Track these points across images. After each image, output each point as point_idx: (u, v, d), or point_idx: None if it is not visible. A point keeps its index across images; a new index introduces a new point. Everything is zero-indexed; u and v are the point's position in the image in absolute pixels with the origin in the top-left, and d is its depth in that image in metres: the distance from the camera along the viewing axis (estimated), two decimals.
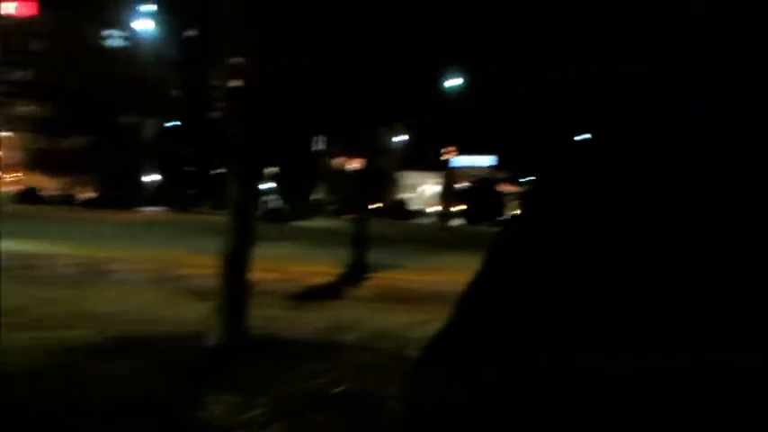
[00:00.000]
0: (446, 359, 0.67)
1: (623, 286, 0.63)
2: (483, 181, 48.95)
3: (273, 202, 37.33)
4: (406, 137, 45.99)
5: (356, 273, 15.38)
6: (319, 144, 41.89)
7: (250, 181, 8.88)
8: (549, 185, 0.74)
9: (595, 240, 0.66)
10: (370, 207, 19.27)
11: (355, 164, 20.17)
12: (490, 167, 49.79)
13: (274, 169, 38.31)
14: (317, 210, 40.35)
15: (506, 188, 47.59)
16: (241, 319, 8.25)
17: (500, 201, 46.57)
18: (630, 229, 0.66)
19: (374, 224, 18.60)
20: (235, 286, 8.26)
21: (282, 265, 15.16)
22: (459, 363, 0.67)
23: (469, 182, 49.26)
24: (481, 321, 0.68)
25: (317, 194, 44.07)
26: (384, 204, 43.73)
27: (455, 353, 0.68)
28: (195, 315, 9.02)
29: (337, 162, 41.82)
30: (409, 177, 52.09)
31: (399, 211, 46.17)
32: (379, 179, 35.70)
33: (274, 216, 32.58)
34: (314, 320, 10.02)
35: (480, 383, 0.64)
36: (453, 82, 38.31)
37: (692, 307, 0.63)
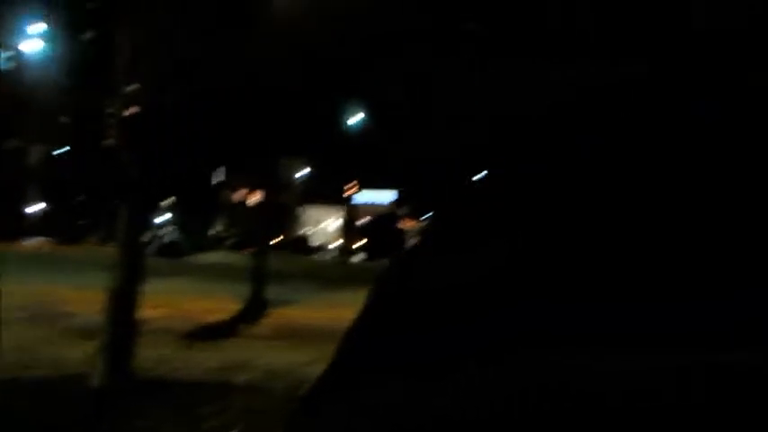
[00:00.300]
0: (328, 399, 0.62)
1: (513, 319, 0.60)
2: (384, 217, 49.23)
3: (169, 235, 36.35)
4: (308, 170, 45.86)
5: (254, 309, 15.03)
6: (219, 176, 41.21)
7: (141, 212, 8.53)
8: (442, 220, 0.72)
9: (487, 273, 0.64)
10: (270, 242, 18.97)
11: (256, 197, 19.85)
12: (392, 203, 50.13)
13: (171, 201, 37.36)
14: (215, 244, 39.50)
15: (407, 224, 47.97)
16: (127, 359, 7.84)
17: (400, 237, 46.86)
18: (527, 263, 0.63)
19: (275, 259, 18.32)
20: (121, 324, 7.86)
21: (177, 302, 14.68)
22: (341, 399, 0.63)
23: (371, 217, 49.43)
24: (365, 356, 0.66)
25: (216, 228, 43.21)
26: (286, 239, 43.34)
27: (337, 391, 0.64)
28: (80, 355, 8.55)
29: (238, 195, 41.25)
30: (312, 212, 51.89)
31: (301, 245, 45.79)
32: (281, 213, 35.35)
33: (170, 250, 31.69)
34: (207, 360, 9.65)
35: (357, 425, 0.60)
36: (357, 116, 38.52)
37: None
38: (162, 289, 17.03)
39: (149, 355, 8.53)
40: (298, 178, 46.34)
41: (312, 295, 18.35)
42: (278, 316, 14.69)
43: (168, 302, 14.23)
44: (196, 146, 18.98)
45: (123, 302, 7.88)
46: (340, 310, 13.69)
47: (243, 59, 13.81)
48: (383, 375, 0.61)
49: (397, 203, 49.73)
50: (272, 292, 15.89)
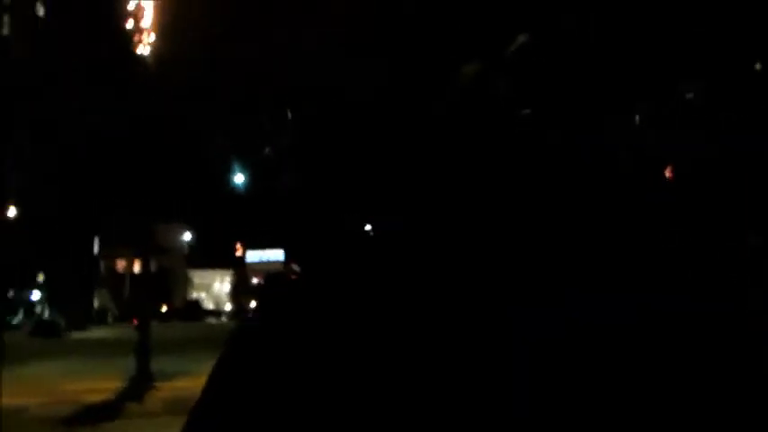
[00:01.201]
0: None
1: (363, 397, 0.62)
2: (276, 275, 48.38)
3: (44, 312, 34.33)
4: (192, 235, 44.69)
5: (139, 384, 14.18)
6: (96, 246, 39.49)
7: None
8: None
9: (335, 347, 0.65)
10: (159, 310, 18.11)
11: (136, 266, 18.99)
12: (283, 261, 49.46)
13: (42, 276, 35.38)
14: (98, 318, 37.65)
15: None
16: None
17: None
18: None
19: (163, 328, 17.48)
20: None
21: (55, 385, 13.66)
22: None
23: (262, 277, 48.50)
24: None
25: (97, 301, 41.26)
26: (175, 306, 41.87)
27: None
28: None
29: (118, 265, 39.69)
30: (201, 276, 50.49)
31: (191, 311, 44.33)
32: (166, 280, 34.12)
33: (45, 329, 29.81)
34: None
35: None
36: (240, 178, 37.87)
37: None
38: (38, 372, 15.88)
39: None
40: (182, 243, 45.03)
41: (203, 363, 17.45)
42: (166, 389, 13.87)
43: (45, 386, 13.26)
44: (72, 215, 18.06)
45: None
46: None
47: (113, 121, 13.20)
48: None
49: (287, 261, 49.07)
50: (160, 363, 15.04)
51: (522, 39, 0.81)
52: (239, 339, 0.73)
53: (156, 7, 18.52)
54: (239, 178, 39.77)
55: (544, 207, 0.73)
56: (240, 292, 45.54)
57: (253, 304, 50.39)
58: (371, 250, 0.73)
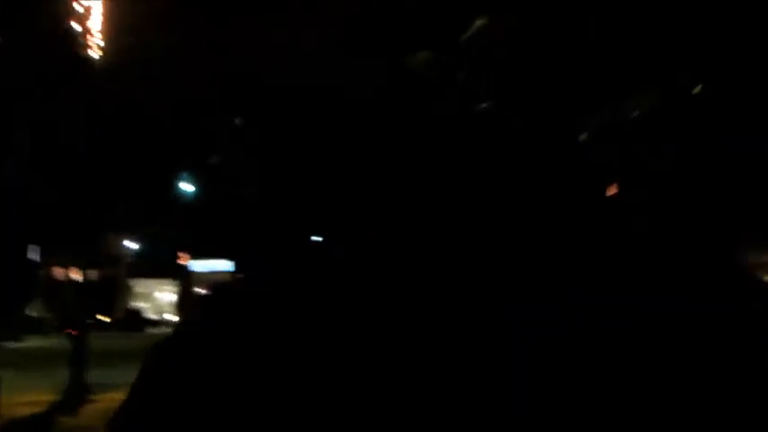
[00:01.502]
0: None
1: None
2: (224, 284, 47.82)
3: None
4: (137, 244, 43.97)
5: (76, 397, 13.81)
6: (35, 253, 38.47)
7: None
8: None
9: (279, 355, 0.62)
10: (99, 319, 17.73)
11: (76, 274, 18.58)
12: (231, 271, 49.00)
13: None
14: (34, 327, 36.61)
15: None
16: None
17: None
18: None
19: (102, 338, 17.11)
20: None
21: None
22: None
23: (208, 286, 47.91)
24: None
25: (33, 310, 40.13)
26: (117, 315, 41.12)
27: None
28: None
29: (57, 272, 38.77)
30: (144, 285, 49.65)
31: (134, 321, 43.58)
32: (109, 289, 33.42)
33: None
34: None
35: None
36: (187, 185, 37.34)
37: None
38: None
39: None
40: (127, 250, 44.27)
41: None
42: (104, 401, 13.52)
43: None
44: (5, 221, 17.56)
45: None
46: None
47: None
48: None
49: (235, 271, 48.61)
50: (98, 375, 14.57)
51: (479, 23, 0.74)
52: (171, 348, 0.69)
53: (105, 9, 18.15)
54: (186, 186, 39.25)
55: (539, 207, 0.71)
56: (184, 302, 44.90)
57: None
58: (353, 257, 0.70)
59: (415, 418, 0.63)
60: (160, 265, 44.65)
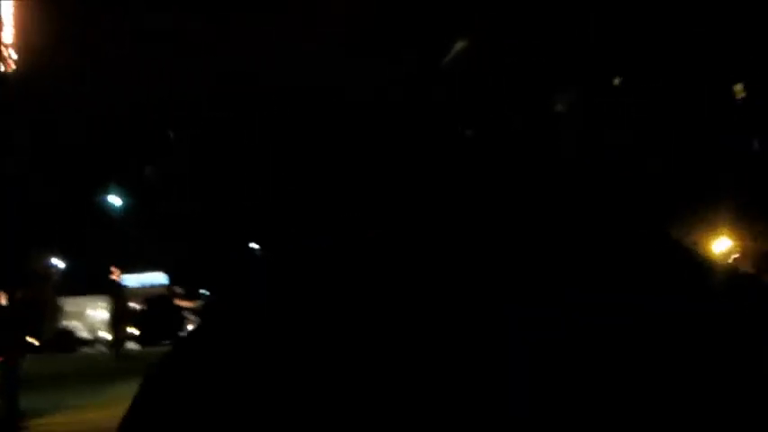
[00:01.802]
0: None
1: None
2: (157, 299, 46.90)
3: None
4: (63, 261, 42.81)
5: (7, 424, 13.37)
6: None
7: None
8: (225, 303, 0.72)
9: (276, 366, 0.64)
10: (28, 342, 17.10)
11: (2, 298, 17.90)
12: (166, 285, 48.21)
13: None
14: None
15: (184, 303, 46.08)
16: None
17: (178, 317, 44.84)
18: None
19: (33, 362, 16.53)
20: None
21: None
22: None
23: (142, 302, 46.90)
24: None
25: None
26: (46, 337, 39.94)
27: None
28: None
29: None
30: (75, 303, 48.38)
31: (65, 341, 42.44)
32: (37, 310, 32.36)
33: None
34: None
35: None
36: (116, 199, 36.40)
37: None
38: None
39: None
40: (54, 268, 43.08)
41: (77, 396, 16.52)
42: (39, 428, 13.07)
43: None
44: None
45: None
46: (108, 408, 12.24)
47: None
48: None
49: (171, 284, 47.84)
50: (29, 400, 14.06)
51: (459, 46, 0.96)
52: (180, 355, 0.69)
53: (18, 22, 17.47)
54: (115, 200, 38.29)
55: (538, 207, 0.73)
56: (118, 318, 43.85)
57: (132, 331, 48.48)
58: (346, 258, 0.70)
59: (415, 418, 0.62)
60: (91, 282, 43.54)
